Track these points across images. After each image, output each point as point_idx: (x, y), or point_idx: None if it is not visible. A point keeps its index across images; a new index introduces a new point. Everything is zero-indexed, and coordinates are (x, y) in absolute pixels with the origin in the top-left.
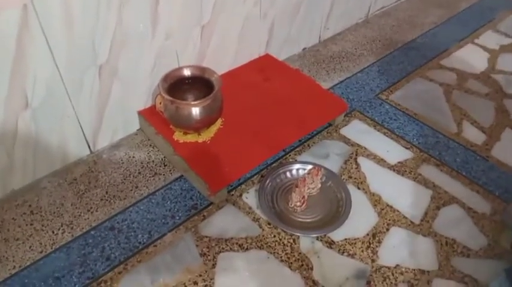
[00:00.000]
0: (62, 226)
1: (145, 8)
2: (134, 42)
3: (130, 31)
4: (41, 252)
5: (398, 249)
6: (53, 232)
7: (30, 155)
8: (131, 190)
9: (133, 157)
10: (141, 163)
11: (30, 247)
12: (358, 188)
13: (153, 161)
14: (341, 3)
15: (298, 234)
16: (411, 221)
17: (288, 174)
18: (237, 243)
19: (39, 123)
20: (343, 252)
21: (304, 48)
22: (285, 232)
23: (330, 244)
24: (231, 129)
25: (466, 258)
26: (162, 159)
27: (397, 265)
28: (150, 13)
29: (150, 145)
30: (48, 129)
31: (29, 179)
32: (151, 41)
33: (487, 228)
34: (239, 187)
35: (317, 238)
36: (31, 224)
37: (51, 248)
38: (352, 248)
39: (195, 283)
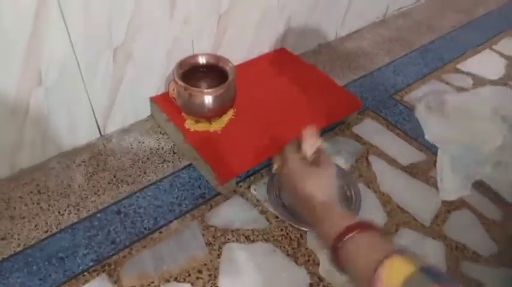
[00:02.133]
0: (68, 207)
1: None
2: (150, 27)
3: (147, 15)
4: (46, 231)
5: None
6: (59, 213)
7: (40, 134)
8: (139, 175)
9: (143, 142)
10: (151, 149)
11: (35, 225)
12: (369, 187)
13: (162, 147)
14: (359, 1)
15: (305, 229)
16: (421, 224)
17: None
18: (243, 235)
19: (51, 103)
20: None
21: (319, 44)
22: (292, 226)
23: None
24: (243, 121)
25: (475, 263)
26: (171, 146)
27: None
28: None
29: (160, 132)
30: (60, 110)
31: (37, 158)
32: (168, 26)
33: (497, 235)
34: (248, 179)
35: None
36: (38, 204)
37: (57, 229)
38: None
39: (199, 271)
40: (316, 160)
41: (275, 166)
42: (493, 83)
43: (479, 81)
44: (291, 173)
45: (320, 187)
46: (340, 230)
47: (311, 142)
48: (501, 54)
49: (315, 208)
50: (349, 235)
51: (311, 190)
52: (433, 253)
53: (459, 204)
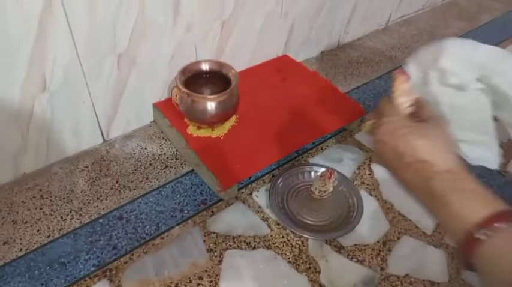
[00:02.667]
0: (70, 211)
1: None
2: (154, 33)
3: (151, 21)
4: (49, 236)
5: (409, 258)
6: (62, 218)
7: (44, 139)
8: (141, 181)
9: (146, 148)
10: (153, 155)
11: (37, 230)
12: (371, 195)
13: (165, 153)
14: (362, 9)
15: (307, 236)
16: (423, 232)
17: (299, 176)
18: (244, 241)
19: (55, 108)
20: (352, 257)
21: (322, 52)
22: (293, 233)
23: (339, 248)
24: (245, 127)
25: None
26: (174, 152)
27: (407, 275)
28: (172, 4)
29: (163, 138)
30: (64, 115)
31: (41, 163)
32: (172, 32)
33: None
34: (250, 185)
35: (326, 242)
36: (40, 208)
37: (59, 234)
38: (362, 254)
39: (200, 278)
40: (417, 115)
41: (367, 125)
42: None
43: None
44: (392, 132)
45: (438, 149)
46: (484, 215)
47: (405, 90)
48: None
49: (432, 180)
50: (499, 225)
51: (426, 153)
52: (435, 261)
53: None
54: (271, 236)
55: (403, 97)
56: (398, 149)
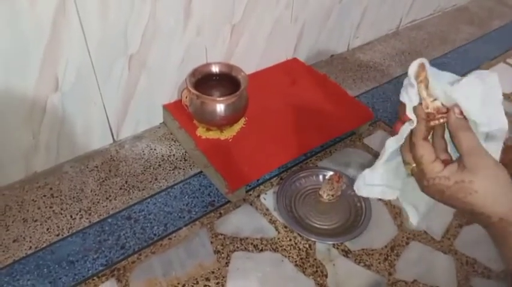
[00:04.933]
0: (80, 211)
1: (179, 2)
2: (165, 36)
3: (162, 24)
4: (58, 235)
5: (417, 264)
6: (71, 217)
7: (55, 139)
8: (150, 182)
9: (155, 149)
10: (162, 156)
11: (47, 229)
12: (379, 199)
13: (174, 155)
14: (372, 13)
15: (314, 240)
16: (431, 237)
17: (308, 179)
18: (251, 243)
19: (66, 108)
20: (360, 262)
21: (332, 55)
22: (301, 236)
23: (347, 252)
24: (254, 129)
25: (486, 279)
26: (183, 153)
27: (415, 280)
28: (183, 7)
29: (172, 139)
30: (75, 115)
31: (51, 162)
32: (182, 35)
33: None
34: (257, 188)
35: (333, 246)
36: (50, 207)
37: (68, 232)
38: (369, 259)
39: (207, 279)
40: (452, 138)
41: (408, 168)
42: (506, 96)
43: None
44: (440, 193)
45: (489, 198)
46: None
47: (428, 84)
48: None
49: (490, 229)
50: None
51: (480, 207)
52: (444, 267)
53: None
54: (279, 239)
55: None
56: (454, 207)
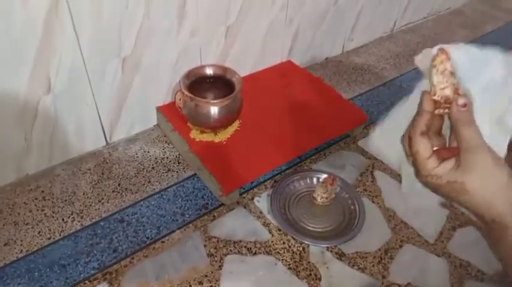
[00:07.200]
0: (72, 214)
1: (173, 3)
2: (159, 38)
3: (156, 26)
4: (49, 238)
5: (411, 267)
6: (63, 220)
7: (47, 141)
8: (143, 184)
9: (148, 151)
10: (156, 159)
11: (39, 232)
12: (373, 202)
13: (167, 157)
14: (367, 16)
15: (308, 242)
16: (425, 240)
17: (302, 181)
18: (245, 246)
19: (59, 110)
20: (353, 265)
21: (326, 58)
22: (294, 239)
23: (340, 255)
24: (248, 132)
25: (480, 282)
26: (176, 156)
27: (409, 283)
28: (177, 9)
29: (166, 141)
30: (67, 117)
31: (43, 165)
32: (176, 37)
33: None
34: (251, 190)
35: (327, 249)
36: (42, 210)
37: (60, 236)
38: (363, 262)
39: (200, 283)
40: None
41: (409, 159)
42: None
43: None
44: (436, 188)
45: (480, 201)
46: None
47: (444, 72)
48: None
49: (486, 226)
50: None
51: (472, 207)
52: (437, 270)
53: (464, 220)
54: (272, 241)
55: (440, 77)
56: (449, 199)
